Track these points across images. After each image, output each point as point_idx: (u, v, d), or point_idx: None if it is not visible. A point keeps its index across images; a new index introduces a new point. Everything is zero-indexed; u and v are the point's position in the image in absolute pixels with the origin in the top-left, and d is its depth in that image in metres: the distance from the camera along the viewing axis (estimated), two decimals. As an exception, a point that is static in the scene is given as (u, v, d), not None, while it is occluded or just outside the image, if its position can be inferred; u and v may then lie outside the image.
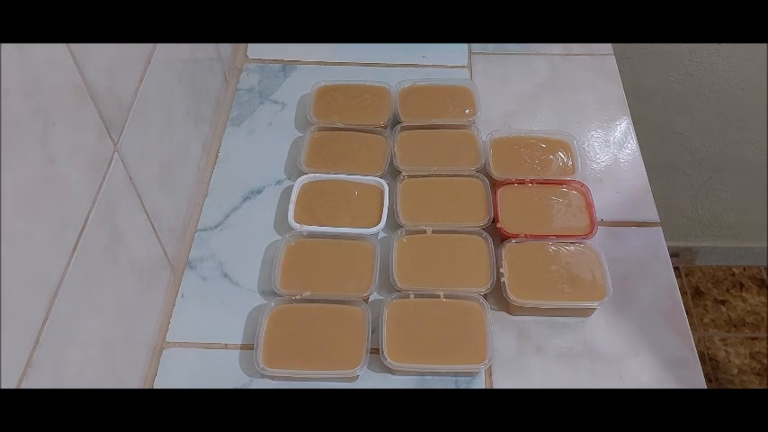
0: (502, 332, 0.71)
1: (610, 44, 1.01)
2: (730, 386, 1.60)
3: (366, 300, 0.71)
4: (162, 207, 0.71)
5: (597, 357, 0.69)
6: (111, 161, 0.59)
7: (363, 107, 0.89)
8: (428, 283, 0.72)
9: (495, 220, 0.77)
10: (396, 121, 0.88)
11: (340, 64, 0.98)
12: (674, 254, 1.73)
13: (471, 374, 0.68)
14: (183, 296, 0.74)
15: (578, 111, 0.93)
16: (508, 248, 0.74)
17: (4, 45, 0.43)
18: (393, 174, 0.82)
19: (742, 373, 1.62)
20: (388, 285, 0.72)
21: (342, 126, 0.87)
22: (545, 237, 0.75)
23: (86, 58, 0.54)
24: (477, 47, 1.01)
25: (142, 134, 0.65)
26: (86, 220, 0.55)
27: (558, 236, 0.75)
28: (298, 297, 0.70)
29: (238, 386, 0.67)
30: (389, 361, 0.66)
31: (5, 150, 0.44)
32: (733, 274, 1.79)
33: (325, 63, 0.98)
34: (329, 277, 0.73)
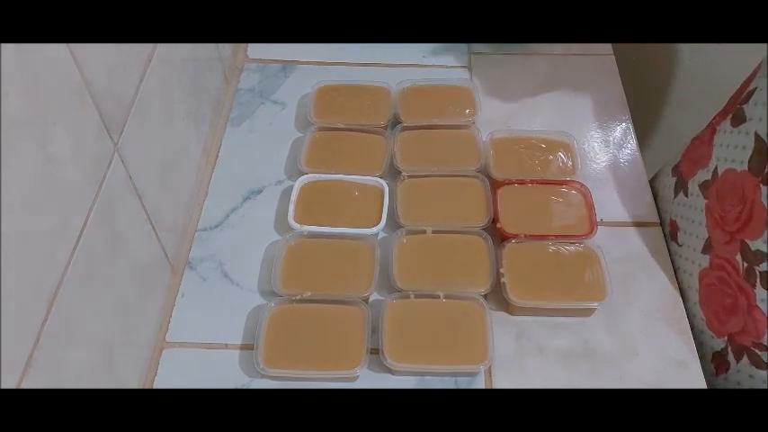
0: (502, 332, 0.71)
1: (610, 44, 1.01)
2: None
3: (366, 300, 0.71)
4: (162, 207, 0.71)
5: (597, 358, 0.69)
6: (111, 161, 0.59)
7: (363, 107, 0.89)
8: (428, 283, 0.72)
9: (494, 221, 0.77)
10: (396, 122, 0.88)
11: (340, 64, 0.98)
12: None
13: (471, 374, 0.68)
14: (183, 296, 0.74)
15: (578, 111, 0.92)
16: (508, 249, 0.74)
17: (4, 45, 0.43)
18: (393, 174, 0.82)
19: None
20: (388, 285, 0.72)
21: (342, 126, 0.87)
22: (545, 237, 0.75)
23: (86, 58, 0.54)
24: (477, 47, 1.01)
25: (142, 134, 0.65)
26: (86, 220, 0.55)
27: (557, 236, 0.75)
28: (298, 297, 0.70)
29: (238, 386, 0.67)
30: (389, 361, 0.66)
31: (5, 150, 0.43)
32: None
33: (326, 63, 0.98)
34: (329, 277, 0.72)
